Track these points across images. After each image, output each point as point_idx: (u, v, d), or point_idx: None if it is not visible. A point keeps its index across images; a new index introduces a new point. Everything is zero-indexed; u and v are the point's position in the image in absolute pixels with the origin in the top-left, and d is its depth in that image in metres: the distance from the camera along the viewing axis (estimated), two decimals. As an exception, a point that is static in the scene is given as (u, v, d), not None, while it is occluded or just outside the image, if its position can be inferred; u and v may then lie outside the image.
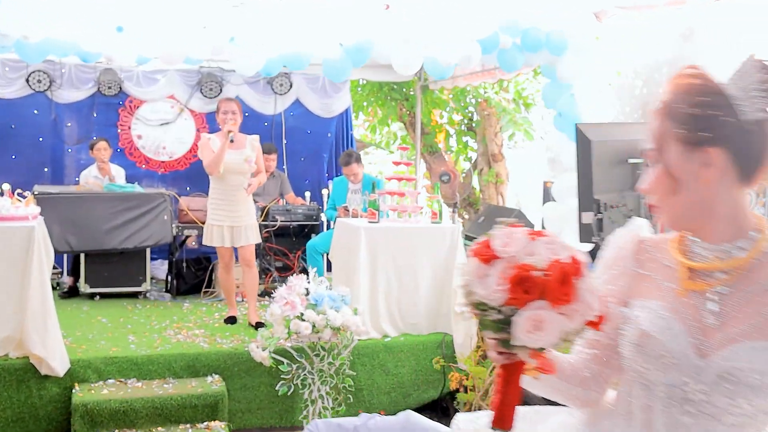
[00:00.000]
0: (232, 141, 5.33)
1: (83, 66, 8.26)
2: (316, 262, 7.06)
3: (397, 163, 6.37)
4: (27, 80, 7.97)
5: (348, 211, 6.94)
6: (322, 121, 9.20)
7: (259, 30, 5.22)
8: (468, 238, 6.45)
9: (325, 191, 8.70)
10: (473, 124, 10.61)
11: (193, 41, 5.11)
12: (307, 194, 8.73)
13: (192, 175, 8.80)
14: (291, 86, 8.84)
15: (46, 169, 8.34)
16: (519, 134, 9.45)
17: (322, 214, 7.79)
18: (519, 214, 7.02)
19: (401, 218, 6.26)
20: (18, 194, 5.59)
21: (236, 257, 6.06)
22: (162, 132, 8.71)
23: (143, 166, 8.68)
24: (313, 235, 7.70)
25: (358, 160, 7.16)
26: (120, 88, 8.28)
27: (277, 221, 7.47)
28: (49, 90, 8.13)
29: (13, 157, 8.21)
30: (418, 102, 9.54)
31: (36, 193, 6.72)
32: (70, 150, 8.39)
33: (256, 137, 5.77)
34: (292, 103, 9.06)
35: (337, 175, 9.21)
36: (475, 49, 5.59)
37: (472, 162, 10.39)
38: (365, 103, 9.96)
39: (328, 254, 7.18)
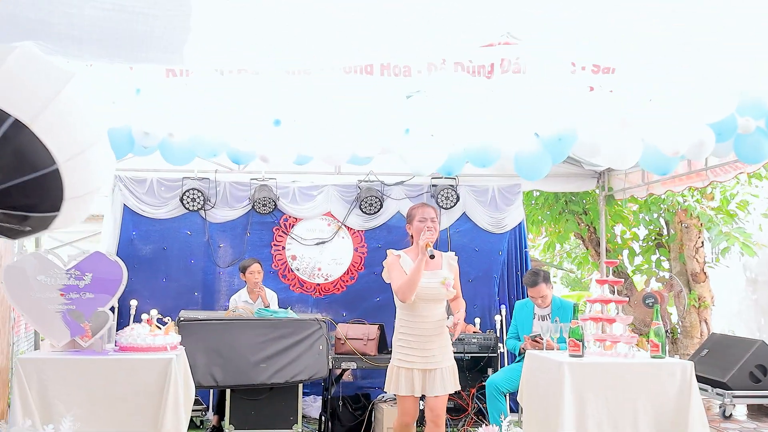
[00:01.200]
0: (432, 257, 4.29)
1: (238, 184, 7.78)
2: (497, 403, 5.80)
3: (602, 282, 5.13)
4: (181, 199, 7.53)
5: (538, 341, 5.69)
6: (493, 238, 8.14)
7: (438, 122, 4.32)
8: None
9: (497, 317, 7.51)
10: (663, 240, 9.17)
11: (360, 137, 4.27)
12: (477, 321, 7.57)
13: (349, 300, 7.92)
14: (458, 199, 7.92)
15: (196, 294, 7.73)
16: (733, 248, 7.90)
17: (501, 345, 6.58)
18: (763, 347, 5.48)
19: (610, 351, 4.96)
20: (158, 321, 4.85)
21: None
22: (317, 252, 7.95)
23: (297, 289, 7.91)
24: (489, 370, 6.46)
25: (547, 279, 5.98)
26: (275, 205, 7.67)
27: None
28: (202, 209, 7.64)
29: (164, 280, 7.68)
30: (601, 216, 8.32)
31: (181, 318, 6.02)
32: (221, 273, 7.77)
33: (454, 255, 4.76)
34: (459, 217, 8.11)
35: (512, 299, 8.04)
36: (708, 134, 4.41)
37: (667, 283, 8.86)
38: (541, 217, 8.83)
39: (511, 394, 5.90)
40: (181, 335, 5.94)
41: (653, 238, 9.38)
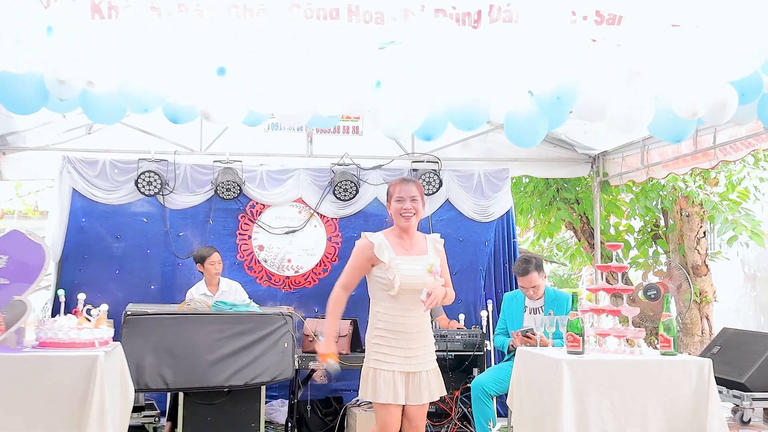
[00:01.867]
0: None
1: (200, 166, 7.08)
2: (484, 407, 5.14)
3: (604, 268, 4.48)
4: (136, 183, 6.81)
5: (530, 337, 5.04)
6: (478, 227, 7.49)
7: (416, 76, 3.65)
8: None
9: (484, 313, 6.86)
10: (660, 231, 8.56)
11: (324, 92, 3.59)
12: (461, 317, 6.91)
13: (322, 294, 7.17)
14: (440, 185, 7.26)
15: (152, 287, 7.02)
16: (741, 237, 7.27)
17: (488, 342, 5.92)
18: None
19: (615, 348, 4.33)
20: (87, 312, 4.16)
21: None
22: (287, 242, 7.27)
23: (264, 282, 7.21)
24: (475, 370, 5.79)
25: (539, 267, 5.32)
26: (240, 190, 6.97)
27: (429, 351, 5.66)
28: (160, 194, 6.93)
29: (117, 272, 6.97)
30: (595, 203, 7.70)
31: (128, 313, 5.31)
32: (181, 264, 7.06)
33: (439, 238, 4.00)
34: (442, 205, 7.45)
35: (499, 293, 7.39)
36: (730, 93, 3.77)
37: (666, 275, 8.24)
38: (530, 206, 8.19)
39: (499, 397, 5.25)
40: (128, 331, 5.29)
41: (649, 229, 8.77)
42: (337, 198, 7.16)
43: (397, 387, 3.67)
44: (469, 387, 5.65)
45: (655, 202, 7.84)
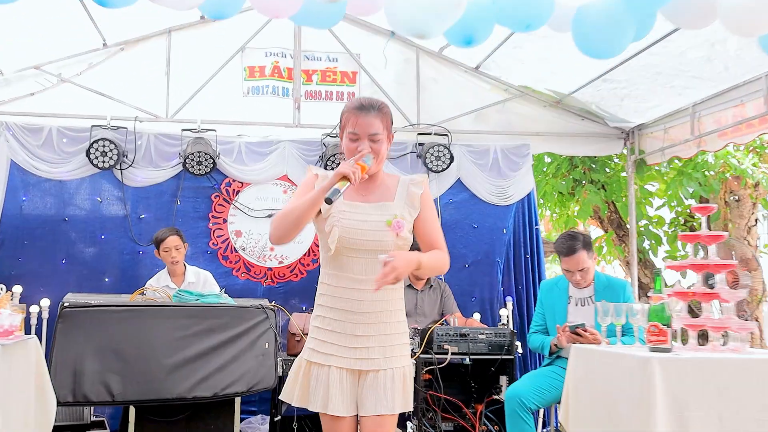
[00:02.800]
0: (338, 191, 2.40)
1: (165, 136, 5.94)
2: (522, 425, 4.00)
3: (691, 238, 3.37)
4: (88, 154, 5.65)
5: (581, 334, 3.92)
6: (495, 211, 6.38)
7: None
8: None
9: (503, 312, 5.74)
10: (695, 223, 7.49)
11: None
12: (476, 316, 5.80)
13: (310, 289, 6.06)
14: (451, 160, 6.15)
15: (106, 279, 5.84)
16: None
17: (518, 343, 4.79)
18: None
19: (708, 344, 3.23)
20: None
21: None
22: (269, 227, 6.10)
23: (242, 275, 6.05)
24: (503, 378, 4.65)
25: (588, 246, 4.20)
26: (213, 164, 5.83)
27: (446, 353, 4.51)
28: (117, 167, 5.77)
29: (63, 262, 5.78)
30: (630, 185, 6.61)
31: (65, 305, 4.14)
32: (142, 252, 5.89)
33: (422, 177, 2.78)
34: (453, 185, 6.34)
35: (520, 289, 6.28)
36: None
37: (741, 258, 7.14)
38: (553, 189, 7.09)
39: (542, 409, 4.14)
40: (63, 327, 4.13)
41: (682, 221, 7.69)
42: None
43: (331, 390, 2.54)
44: (496, 399, 4.53)
45: (692, 189, 6.74)
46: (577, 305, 4.26)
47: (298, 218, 2.50)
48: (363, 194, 2.67)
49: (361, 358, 2.57)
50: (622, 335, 3.85)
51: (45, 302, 5.33)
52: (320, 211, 2.64)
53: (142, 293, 4.46)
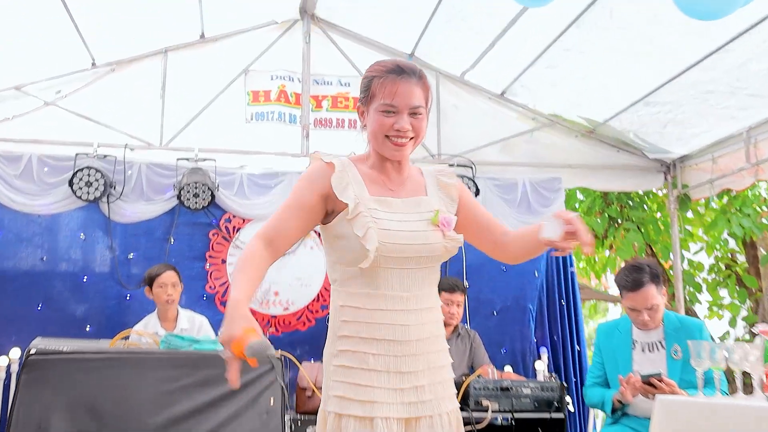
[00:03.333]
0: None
1: (159, 166, 5.32)
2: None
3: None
4: (71, 183, 5.03)
5: (656, 386, 3.22)
6: (525, 252, 5.71)
7: None
8: None
9: (539, 365, 5.02)
10: (737, 268, 6.84)
11: None
12: (507, 369, 5.10)
13: (319, 339, 5.37)
14: (476, 194, 5.54)
15: (88, 328, 5.12)
16: None
17: (569, 399, 4.06)
18: None
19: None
20: None
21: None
22: (274, 269, 5.36)
23: (242, 322, 5.35)
24: (552, 440, 3.91)
25: (657, 279, 3.52)
26: (212, 197, 5.20)
27: (486, 411, 3.78)
28: (103, 200, 5.15)
29: (39, 307, 5.09)
30: (673, 223, 5.98)
31: (31, 352, 3.46)
32: (130, 297, 5.20)
33: (449, 169, 2.23)
34: (478, 222, 5.68)
35: (555, 339, 5.58)
36: None
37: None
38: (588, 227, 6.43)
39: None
40: (28, 379, 3.43)
41: (723, 267, 7.04)
42: (342, 210, 5.39)
43: None
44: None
45: (744, 224, 6.11)
46: (644, 351, 3.56)
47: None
48: (391, 187, 2.08)
49: (411, 401, 1.94)
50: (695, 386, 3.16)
51: (15, 353, 4.61)
52: (329, 213, 2.05)
53: (125, 338, 3.76)
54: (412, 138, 2.05)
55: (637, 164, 5.95)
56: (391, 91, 2.00)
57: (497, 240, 2.14)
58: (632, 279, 3.48)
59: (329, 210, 2.06)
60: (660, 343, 3.53)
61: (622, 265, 6.61)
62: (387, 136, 2.03)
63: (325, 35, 5.67)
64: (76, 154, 5.14)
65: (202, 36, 5.42)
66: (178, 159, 5.28)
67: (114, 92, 5.30)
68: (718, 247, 6.97)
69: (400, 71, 2.03)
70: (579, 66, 5.12)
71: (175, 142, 5.32)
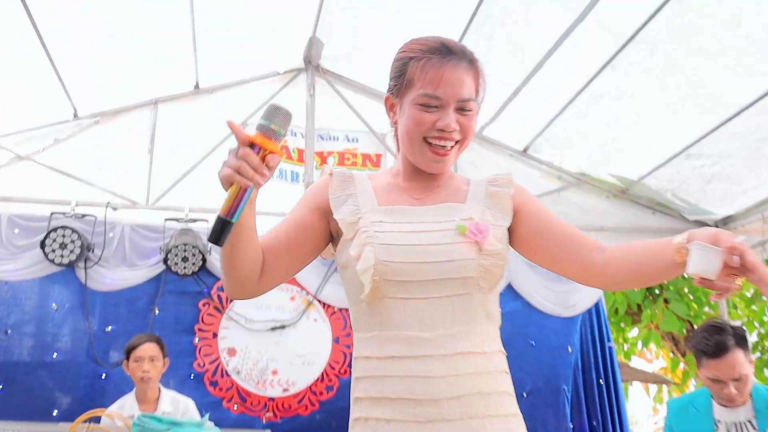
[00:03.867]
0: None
1: (144, 228, 4.76)
2: None
3: None
4: (42, 244, 4.43)
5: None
6: (557, 325, 5.10)
7: None
8: None
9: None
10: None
11: None
12: (541, 462, 4.38)
13: (326, 427, 4.66)
14: (500, 259, 4.92)
15: (55, 412, 4.42)
16: None
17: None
18: None
19: None
20: None
21: None
22: (273, 343, 4.78)
23: (236, 406, 4.65)
24: None
25: (744, 343, 2.88)
26: (203, 261, 4.61)
27: None
28: (79, 265, 4.54)
29: (1, 387, 4.40)
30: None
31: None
32: (107, 376, 4.53)
33: (506, 176, 1.66)
34: (503, 291, 5.05)
35: (594, 425, 4.87)
36: None
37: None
38: (615, 307, 5.80)
39: None
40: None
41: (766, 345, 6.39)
42: (350, 277, 4.78)
43: None
44: None
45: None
46: (731, 430, 2.89)
47: (225, 269, 1.47)
48: (416, 195, 1.57)
49: None
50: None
51: (-33, 442, 3.90)
52: (335, 237, 1.59)
53: (88, 420, 3.07)
54: (457, 142, 1.55)
55: (674, 227, 5.38)
56: (435, 77, 1.51)
57: (588, 259, 1.55)
58: (714, 342, 2.84)
59: (334, 233, 1.58)
60: (750, 423, 2.86)
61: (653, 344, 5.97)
62: (426, 140, 1.53)
63: (330, 87, 5.21)
64: (52, 213, 4.58)
65: (197, 86, 4.95)
66: (166, 219, 4.72)
67: (97, 146, 4.79)
68: (757, 324, 6.33)
69: (447, 51, 1.54)
70: (611, 115, 4.64)
71: (164, 200, 4.77)
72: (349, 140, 5.21)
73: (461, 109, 1.52)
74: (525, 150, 5.27)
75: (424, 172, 1.58)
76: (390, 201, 1.54)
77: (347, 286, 1.55)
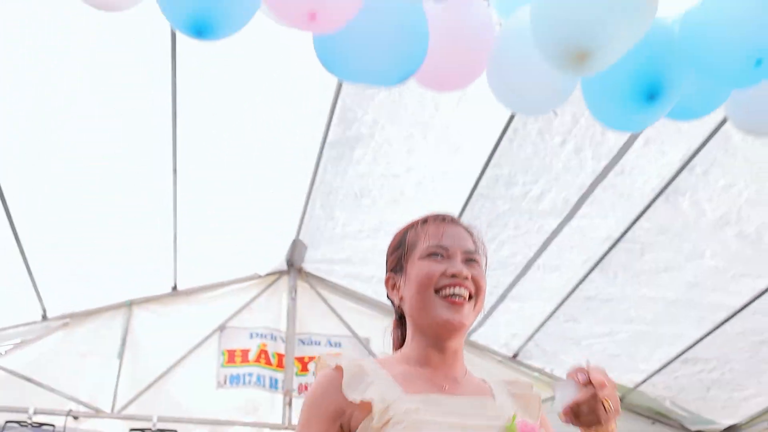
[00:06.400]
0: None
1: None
2: None
3: None
4: (-12, 460, 4.02)
5: None
6: None
7: None
8: None
9: None
10: None
11: None
12: None
13: None
14: None
15: None
16: None
17: None
18: None
19: None
20: None
21: None
22: None
23: None
24: None
25: None
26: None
27: None
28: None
29: None
30: None
31: None
32: None
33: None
34: None
35: None
36: None
37: None
38: None
39: None
40: None
41: None
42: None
43: None
44: None
45: None
46: None
47: None
48: (440, 383, 1.41)
49: None
50: None
51: None
52: (360, 413, 1.34)
53: None
54: (471, 297, 1.43)
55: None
56: (437, 231, 1.48)
57: None
58: None
59: (346, 429, 1.35)
60: None
61: None
62: (438, 292, 1.42)
63: (313, 290, 5.08)
64: (6, 422, 4.18)
65: (174, 288, 4.79)
66: (131, 429, 4.32)
67: (63, 349, 4.51)
68: None
69: (443, 218, 1.53)
70: (603, 320, 4.53)
71: (131, 408, 4.41)
72: (331, 345, 5.00)
73: (469, 260, 1.45)
74: (514, 356, 5.08)
75: (439, 352, 1.41)
76: (417, 389, 1.35)
77: None
